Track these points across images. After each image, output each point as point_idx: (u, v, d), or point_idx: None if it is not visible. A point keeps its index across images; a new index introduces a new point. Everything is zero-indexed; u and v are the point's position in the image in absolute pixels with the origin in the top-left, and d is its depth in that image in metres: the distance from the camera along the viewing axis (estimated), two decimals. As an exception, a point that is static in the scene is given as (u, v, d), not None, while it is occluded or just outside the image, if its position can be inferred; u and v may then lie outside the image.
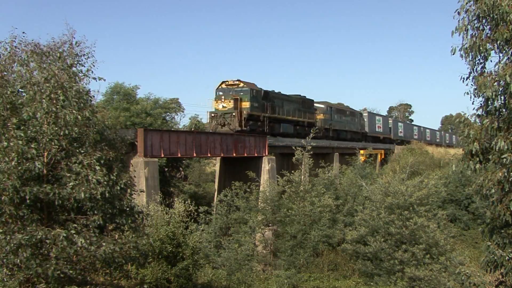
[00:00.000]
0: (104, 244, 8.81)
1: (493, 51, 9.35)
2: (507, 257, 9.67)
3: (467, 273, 11.61)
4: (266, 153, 32.75)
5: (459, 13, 9.48)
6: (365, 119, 57.62)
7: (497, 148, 8.82)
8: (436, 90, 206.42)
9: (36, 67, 9.48)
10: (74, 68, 9.82)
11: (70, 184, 8.63)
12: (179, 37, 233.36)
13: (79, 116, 8.94)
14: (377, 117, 62.21)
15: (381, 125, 62.17)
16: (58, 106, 8.95)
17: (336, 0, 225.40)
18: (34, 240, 8.22)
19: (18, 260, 8.23)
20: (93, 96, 9.96)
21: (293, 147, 27.52)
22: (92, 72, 10.25)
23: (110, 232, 9.31)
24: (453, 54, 9.52)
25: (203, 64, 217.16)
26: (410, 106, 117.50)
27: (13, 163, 8.24)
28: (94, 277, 10.74)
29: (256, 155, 32.09)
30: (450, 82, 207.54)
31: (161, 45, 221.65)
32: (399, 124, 71.27)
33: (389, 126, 65.85)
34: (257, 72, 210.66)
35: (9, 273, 8.57)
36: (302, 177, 25.50)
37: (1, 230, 8.32)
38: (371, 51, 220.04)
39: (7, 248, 8.12)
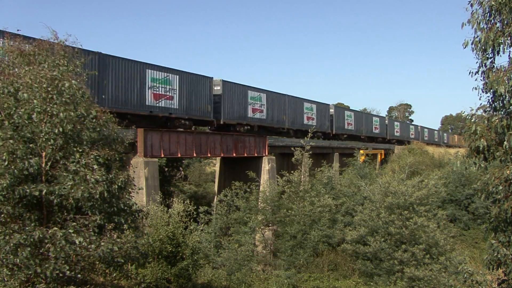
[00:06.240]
0: (103, 243, 8.80)
1: (502, 45, 9.18)
2: (510, 255, 9.63)
3: (469, 271, 11.59)
4: (266, 153, 32.76)
5: (471, 5, 9.37)
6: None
7: (508, 146, 8.69)
8: (436, 90, 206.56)
9: (27, 71, 9.44)
10: (64, 67, 9.76)
11: (69, 183, 8.61)
12: (178, 37, 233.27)
13: (72, 113, 8.92)
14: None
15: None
16: (51, 105, 8.93)
17: (336, 0, 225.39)
18: (32, 240, 8.22)
19: (18, 260, 8.23)
20: (87, 93, 9.90)
21: (292, 148, 27.48)
22: (85, 70, 10.26)
23: (109, 232, 9.28)
24: (465, 47, 9.31)
25: (202, 64, 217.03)
26: (410, 106, 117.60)
27: (5, 163, 8.24)
28: (94, 277, 10.74)
29: (256, 155, 32.10)
30: (450, 82, 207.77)
31: (160, 45, 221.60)
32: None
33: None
34: (257, 72, 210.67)
35: (9, 273, 8.56)
36: (302, 177, 25.47)
37: (0, 230, 8.31)
38: (371, 51, 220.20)
39: (6, 248, 8.12)
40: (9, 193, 8.28)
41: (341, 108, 49.47)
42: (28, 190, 8.36)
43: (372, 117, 58.51)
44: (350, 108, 69.45)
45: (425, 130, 79.76)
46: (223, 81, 30.05)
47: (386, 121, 63.06)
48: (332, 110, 46.02)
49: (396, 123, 67.99)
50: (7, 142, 8.40)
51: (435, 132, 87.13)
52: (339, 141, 47.35)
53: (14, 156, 8.37)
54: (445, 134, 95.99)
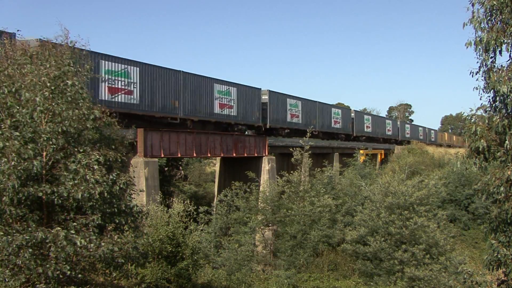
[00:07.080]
0: (103, 244, 8.80)
1: (506, 45, 9.20)
2: (510, 256, 9.63)
3: (469, 271, 11.60)
4: (266, 153, 32.77)
5: (473, 5, 9.39)
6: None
7: (509, 145, 8.68)
8: (436, 90, 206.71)
9: (29, 70, 9.43)
10: (68, 67, 9.76)
11: (69, 183, 8.61)
12: (177, 37, 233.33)
13: (75, 111, 8.93)
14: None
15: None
16: (53, 104, 8.93)
17: (336, 0, 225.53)
18: (34, 241, 8.22)
19: (20, 261, 8.23)
20: (88, 92, 9.91)
21: (290, 148, 27.38)
22: (91, 71, 10.25)
23: (110, 232, 9.28)
24: (468, 47, 9.34)
25: (202, 64, 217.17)
26: (410, 106, 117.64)
27: (12, 163, 8.23)
28: (94, 277, 10.74)
29: (256, 155, 32.11)
30: (450, 82, 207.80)
31: (160, 44, 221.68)
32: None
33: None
34: (257, 73, 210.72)
35: (11, 274, 8.56)
36: (302, 177, 25.47)
37: (2, 232, 8.30)
38: (371, 51, 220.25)
39: (9, 249, 8.11)
40: (14, 194, 8.27)
41: (280, 94, 37.18)
42: (32, 191, 8.35)
43: (330, 108, 47.28)
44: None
45: (407, 126, 71.61)
46: (42, 40, 14.74)
47: (352, 114, 52.17)
48: (265, 97, 34.99)
49: (366, 116, 57.45)
50: (13, 142, 8.39)
51: (420, 128, 77.21)
52: (339, 141, 47.31)
53: (17, 156, 8.36)
54: (432, 132, 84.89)
